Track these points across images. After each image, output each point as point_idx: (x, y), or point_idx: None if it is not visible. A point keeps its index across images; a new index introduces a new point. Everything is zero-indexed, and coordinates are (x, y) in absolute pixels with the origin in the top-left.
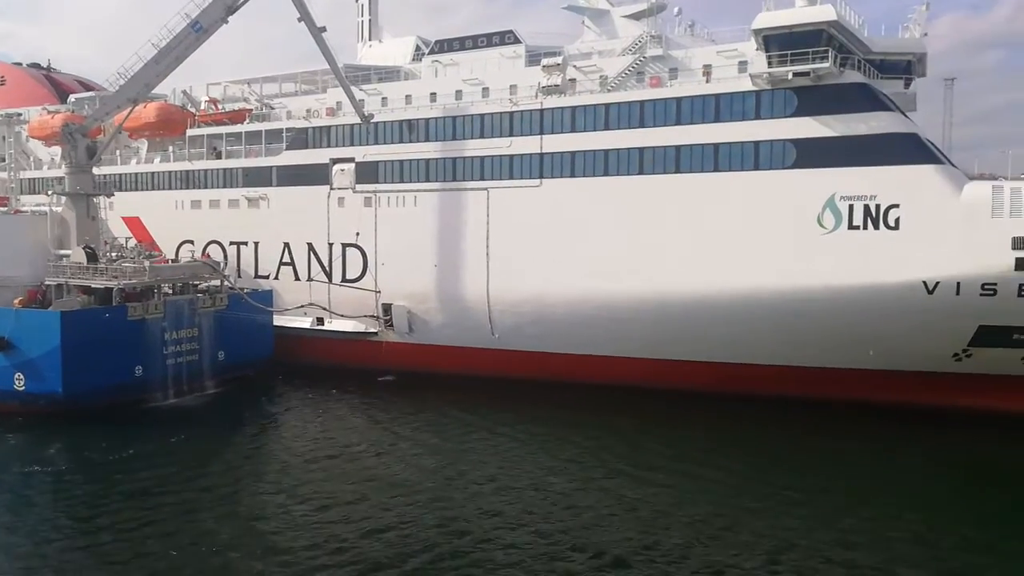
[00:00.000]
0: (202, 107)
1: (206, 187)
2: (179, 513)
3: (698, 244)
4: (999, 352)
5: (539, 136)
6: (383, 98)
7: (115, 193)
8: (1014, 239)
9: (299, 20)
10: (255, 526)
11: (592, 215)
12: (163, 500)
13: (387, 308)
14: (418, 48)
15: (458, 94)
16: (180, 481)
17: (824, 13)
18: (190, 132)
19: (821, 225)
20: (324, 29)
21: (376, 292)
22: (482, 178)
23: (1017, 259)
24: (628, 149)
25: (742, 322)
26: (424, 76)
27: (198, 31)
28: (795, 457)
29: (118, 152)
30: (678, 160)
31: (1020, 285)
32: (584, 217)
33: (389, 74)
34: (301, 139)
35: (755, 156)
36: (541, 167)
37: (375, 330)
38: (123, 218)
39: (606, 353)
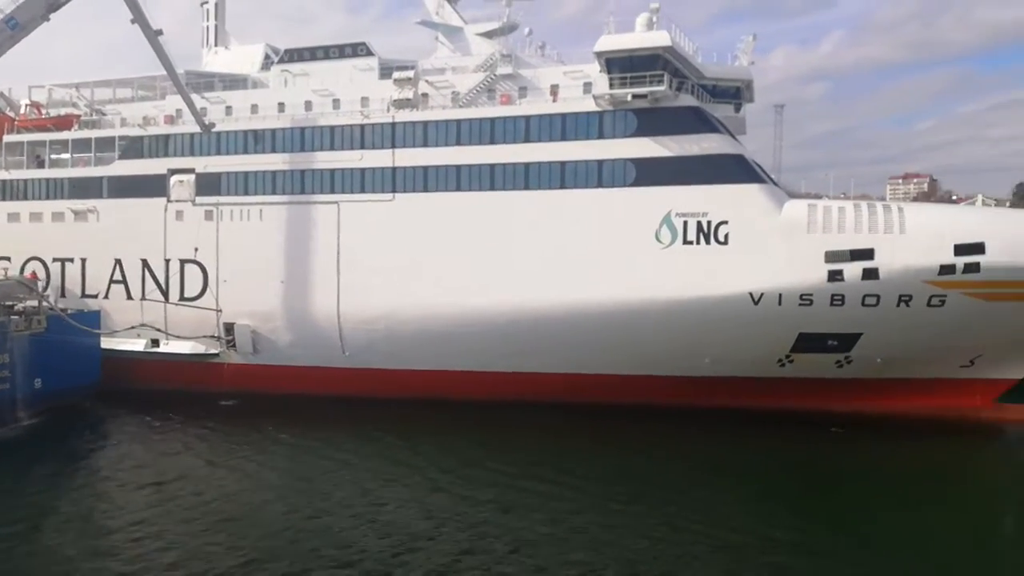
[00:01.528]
0: (22, 111)
1: (26, 198)
2: None
3: (546, 259)
4: (817, 357)
5: (391, 150)
6: (227, 107)
7: None
8: (827, 253)
9: (132, 22)
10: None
11: (445, 230)
12: None
13: (229, 328)
14: (267, 57)
15: (308, 105)
16: None
17: (659, 39)
18: (7, 138)
19: (659, 240)
20: (160, 32)
21: (217, 311)
22: (332, 191)
23: (829, 271)
24: (479, 165)
25: (588, 334)
26: (272, 85)
27: (13, 28)
28: (627, 464)
29: None
30: (527, 177)
31: (832, 295)
32: (437, 232)
33: (235, 82)
34: (136, 148)
35: (599, 174)
36: (393, 181)
37: (216, 351)
38: None
39: (459, 368)
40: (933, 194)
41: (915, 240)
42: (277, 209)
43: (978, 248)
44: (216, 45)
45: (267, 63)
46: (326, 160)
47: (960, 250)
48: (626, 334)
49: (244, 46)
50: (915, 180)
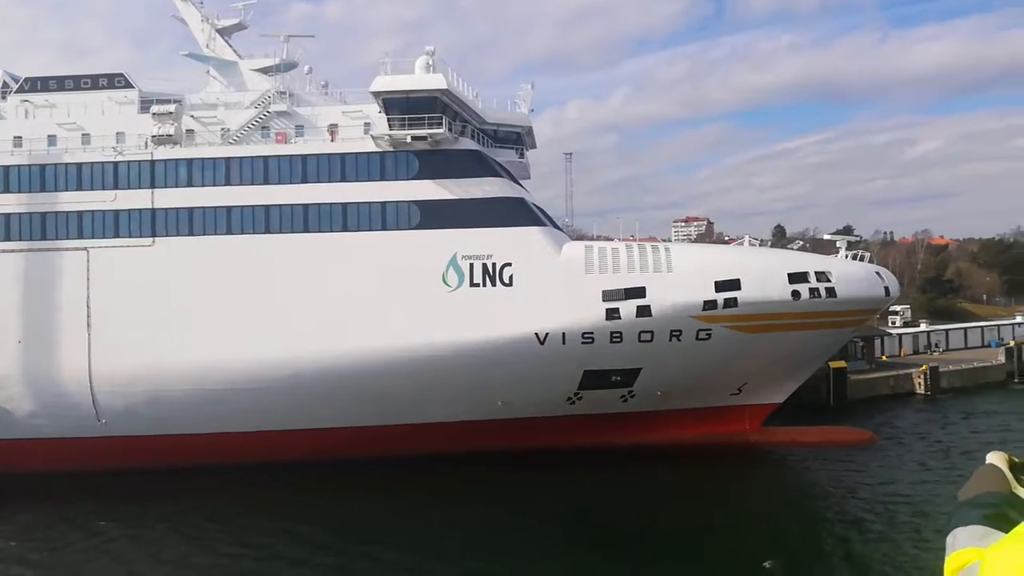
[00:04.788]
0: None
1: None
2: None
3: (329, 305)
4: (603, 393)
5: (150, 190)
6: None
7: None
8: (604, 292)
9: None
10: None
11: (215, 278)
12: None
13: None
14: (5, 85)
15: (51, 139)
16: None
17: (435, 81)
18: None
19: (446, 283)
20: None
21: None
22: (80, 236)
23: (607, 310)
24: (253, 207)
25: (378, 384)
26: (10, 117)
27: None
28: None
29: None
30: (306, 219)
31: (611, 332)
32: (206, 279)
33: None
34: None
35: (382, 216)
36: (153, 224)
37: None
38: None
39: (237, 429)
40: (710, 235)
41: (681, 278)
42: (12, 257)
43: (735, 284)
44: None
45: (4, 91)
46: (72, 201)
47: (720, 286)
48: (417, 381)
49: None
50: (695, 223)
